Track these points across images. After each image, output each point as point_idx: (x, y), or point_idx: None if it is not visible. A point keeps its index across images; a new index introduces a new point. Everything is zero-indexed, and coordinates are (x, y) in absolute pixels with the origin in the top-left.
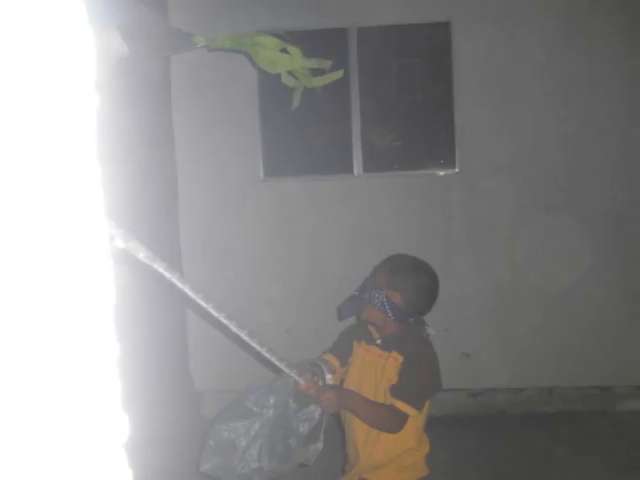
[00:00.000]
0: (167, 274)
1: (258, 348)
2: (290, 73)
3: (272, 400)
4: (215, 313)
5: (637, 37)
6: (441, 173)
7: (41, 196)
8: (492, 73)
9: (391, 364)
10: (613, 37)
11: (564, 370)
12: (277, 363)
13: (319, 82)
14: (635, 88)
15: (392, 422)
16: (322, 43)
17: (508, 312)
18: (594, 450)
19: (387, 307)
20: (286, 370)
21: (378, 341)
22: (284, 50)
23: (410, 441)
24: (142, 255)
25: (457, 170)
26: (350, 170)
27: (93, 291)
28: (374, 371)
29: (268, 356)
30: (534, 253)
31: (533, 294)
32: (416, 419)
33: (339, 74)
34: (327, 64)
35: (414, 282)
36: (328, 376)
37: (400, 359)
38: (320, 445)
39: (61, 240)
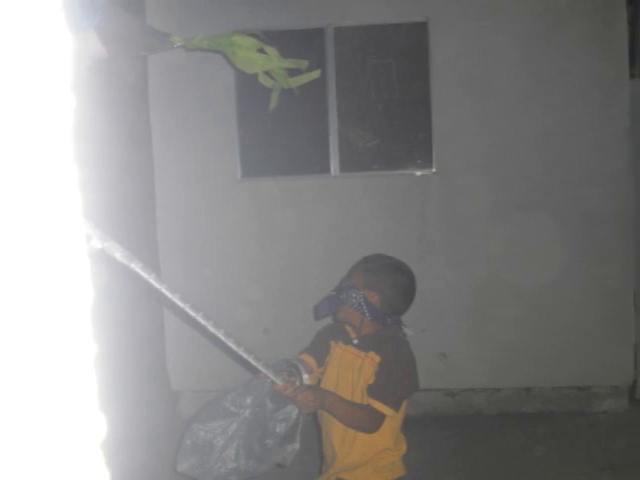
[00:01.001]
0: (144, 274)
1: (235, 348)
2: (267, 73)
3: (249, 400)
4: (192, 313)
5: (611, 38)
6: (418, 173)
7: (17, 197)
8: (469, 73)
9: (368, 364)
10: (588, 38)
11: (541, 370)
12: (254, 363)
13: (296, 82)
14: (609, 88)
15: (369, 422)
16: (299, 43)
17: (485, 312)
18: (571, 450)
19: (364, 307)
20: (263, 370)
21: (355, 341)
22: (261, 50)
23: (387, 441)
24: (119, 255)
25: (434, 170)
26: (327, 170)
27: (70, 291)
28: (351, 371)
29: (245, 356)
30: (511, 252)
31: (510, 294)
32: (393, 419)
33: (316, 74)
34: (304, 64)
35: (391, 282)
36: (305, 376)
37: (377, 359)
38: (297, 445)
39: (38, 240)
